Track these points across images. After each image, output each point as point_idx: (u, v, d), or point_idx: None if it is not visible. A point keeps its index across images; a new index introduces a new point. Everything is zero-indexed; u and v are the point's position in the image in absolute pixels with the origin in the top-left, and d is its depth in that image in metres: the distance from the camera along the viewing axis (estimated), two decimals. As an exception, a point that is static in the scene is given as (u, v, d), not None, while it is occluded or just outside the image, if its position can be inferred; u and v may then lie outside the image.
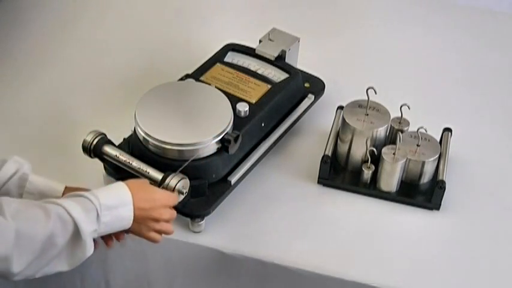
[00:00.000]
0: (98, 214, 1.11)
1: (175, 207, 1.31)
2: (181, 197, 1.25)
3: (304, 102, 1.52)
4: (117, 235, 1.21)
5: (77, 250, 1.10)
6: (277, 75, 1.49)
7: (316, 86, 1.57)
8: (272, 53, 1.51)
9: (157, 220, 1.20)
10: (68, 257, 1.10)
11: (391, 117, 1.44)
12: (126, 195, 1.16)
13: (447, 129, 1.48)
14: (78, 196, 1.12)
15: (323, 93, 1.57)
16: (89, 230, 1.10)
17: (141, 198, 1.17)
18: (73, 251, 1.10)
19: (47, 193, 1.20)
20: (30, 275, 1.08)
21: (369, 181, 1.43)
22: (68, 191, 1.22)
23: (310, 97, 1.53)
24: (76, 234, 1.09)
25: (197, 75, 1.47)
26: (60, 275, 1.43)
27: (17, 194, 1.20)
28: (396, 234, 1.37)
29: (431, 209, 1.41)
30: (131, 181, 1.19)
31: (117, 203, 1.14)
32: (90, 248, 1.12)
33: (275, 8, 1.89)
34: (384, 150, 1.40)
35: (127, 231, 1.19)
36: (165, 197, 1.22)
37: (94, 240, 1.21)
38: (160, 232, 1.22)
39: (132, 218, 1.16)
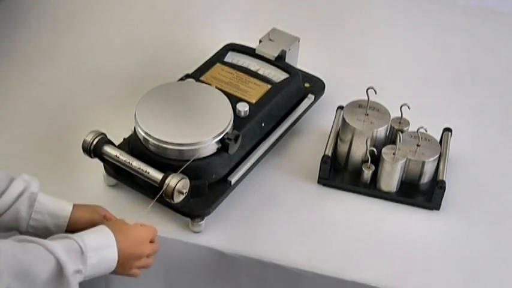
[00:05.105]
0: (83, 253, 1.09)
1: (175, 207, 1.31)
2: (181, 197, 1.25)
3: (304, 102, 1.52)
4: None
5: None
6: (277, 75, 1.49)
7: (316, 86, 1.57)
8: (272, 53, 1.51)
9: (140, 257, 1.19)
10: None
11: (391, 117, 1.44)
12: (109, 237, 1.14)
13: (447, 129, 1.48)
14: (63, 238, 1.10)
15: (323, 93, 1.57)
16: (72, 268, 1.07)
17: (122, 239, 1.15)
18: None
19: (56, 212, 1.18)
20: None
21: (369, 181, 1.43)
22: (76, 209, 1.20)
23: (310, 97, 1.53)
24: (59, 273, 1.06)
25: (197, 75, 1.47)
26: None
27: (26, 214, 1.17)
28: (396, 234, 1.37)
29: (431, 209, 1.41)
30: (108, 223, 1.18)
31: (101, 243, 1.12)
32: None
33: (275, 8, 1.89)
34: (383, 150, 1.40)
35: (112, 272, 1.16)
36: (144, 232, 1.20)
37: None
38: (140, 267, 1.20)
39: (117, 259, 1.14)
